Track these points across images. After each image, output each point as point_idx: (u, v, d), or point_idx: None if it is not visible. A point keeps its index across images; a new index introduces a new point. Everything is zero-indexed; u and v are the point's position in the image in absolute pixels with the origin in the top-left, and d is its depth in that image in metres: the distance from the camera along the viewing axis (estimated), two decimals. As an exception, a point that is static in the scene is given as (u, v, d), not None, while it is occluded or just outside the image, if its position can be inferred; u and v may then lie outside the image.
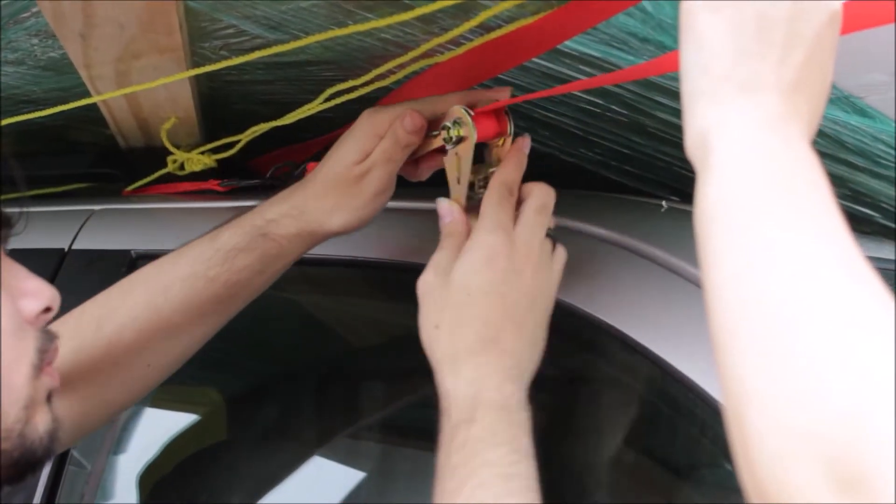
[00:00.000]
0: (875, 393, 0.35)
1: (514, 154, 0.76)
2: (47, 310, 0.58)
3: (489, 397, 0.65)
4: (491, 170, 0.76)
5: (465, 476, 0.61)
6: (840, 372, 0.36)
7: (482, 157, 0.79)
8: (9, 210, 0.57)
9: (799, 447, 0.36)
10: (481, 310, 0.69)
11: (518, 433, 0.63)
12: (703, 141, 0.46)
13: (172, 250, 0.83)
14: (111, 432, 1.04)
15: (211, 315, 0.81)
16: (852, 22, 0.52)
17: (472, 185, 0.77)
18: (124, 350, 0.79)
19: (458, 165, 0.76)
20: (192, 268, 0.79)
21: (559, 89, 0.83)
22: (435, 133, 0.78)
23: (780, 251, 0.41)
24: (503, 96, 0.77)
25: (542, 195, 0.74)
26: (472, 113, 0.75)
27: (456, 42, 0.84)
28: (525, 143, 0.77)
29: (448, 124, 0.76)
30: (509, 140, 0.77)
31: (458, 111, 0.76)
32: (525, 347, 0.69)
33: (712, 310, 0.43)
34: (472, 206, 0.76)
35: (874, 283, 0.39)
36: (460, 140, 0.76)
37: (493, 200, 0.73)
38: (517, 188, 0.75)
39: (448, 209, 0.76)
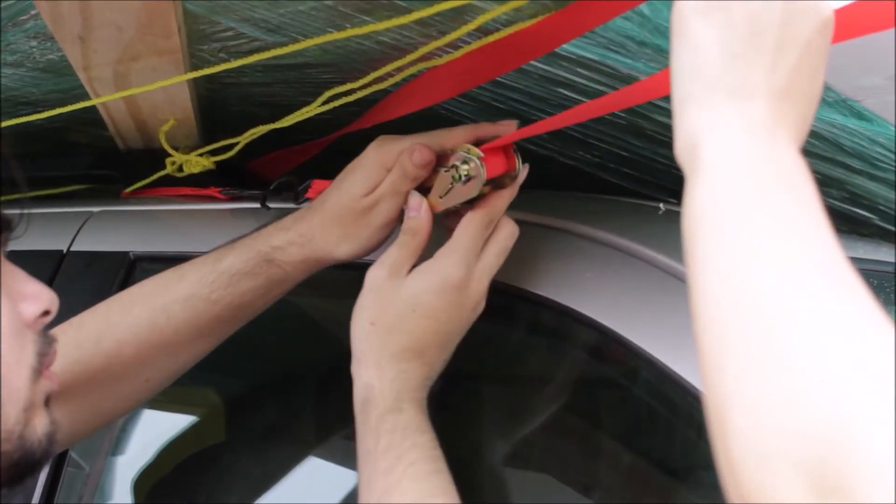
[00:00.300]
0: (857, 398, 0.36)
1: (511, 189, 0.76)
2: (46, 313, 0.58)
3: (410, 396, 0.70)
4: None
5: (397, 456, 0.66)
6: (823, 377, 0.37)
7: None
8: (9, 212, 0.57)
9: (780, 450, 0.37)
10: (419, 327, 0.72)
11: (430, 427, 0.69)
12: (692, 145, 0.46)
13: (174, 266, 0.83)
14: (109, 434, 1.04)
15: (211, 334, 0.82)
16: (851, 28, 0.52)
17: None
18: (123, 365, 0.79)
19: (449, 191, 0.76)
20: (194, 289, 0.80)
21: (556, 122, 0.83)
22: (444, 169, 0.76)
23: (766, 256, 0.41)
24: (509, 130, 0.77)
25: (508, 237, 0.76)
26: (482, 154, 0.74)
27: (454, 45, 0.84)
28: (522, 175, 0.77)
29: (457, 164, 0.75)
30: (514, 176, 0.77)
31: (468, 153, 0.75)
32: (440, 363, 0.74)
33: (697, 312, 0.43)
34: (442, 213, 0.77)
35: (858, 289, 0.40)
36: (469, 179, 0.75)
37: (472, 232, 0.74)
38: (496, 221, 0.76)
39: (418, 204, 0.76)
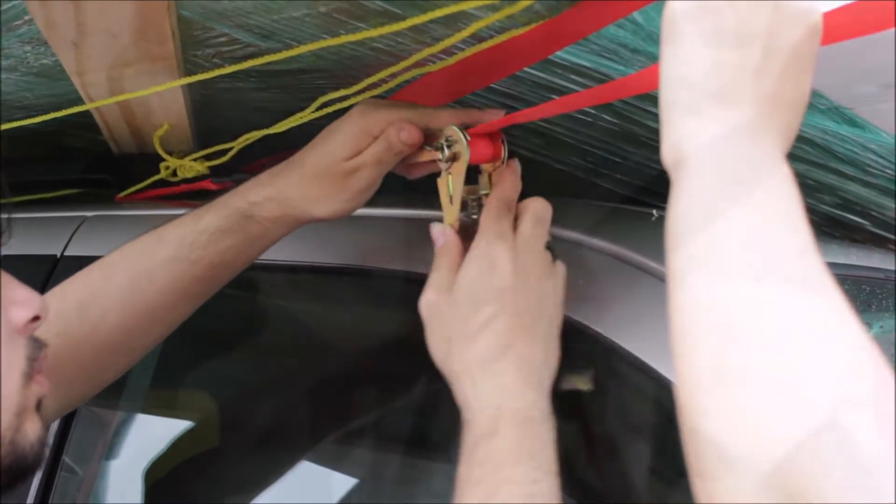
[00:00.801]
0: (820, 404, 0.36)
1: (510, 174, 0.77)
2: (36, 318, 0.58)
3: (512, 408, 0.64)
4: (483, 192, 0.77)
5: (485, 493, 0.60)
6: (788, 384, 0.37)
7: (475, 178, 0.79)
8: (-1, 217, 0.57)
9: (746, 455, 0.37)
10: (490, 318, 0.68)
11: (541, 447, 0.63)
12: (678, 150, 0.47)
13: (152, 230, 0.83)
14: (103, 438, 1.04)
15: (193, 296, 0.82)
16: (844, 30, 0.52)
17: (464, 206, 0.77)
18: (107, 332, 0.79)
19: (450, 185, 0.77)
20: (175, 251, 0.79)
21: (541, 111, 0.83)
22: (428, 147, 0.78)
23: (741, 264, 0.42)
24: (496, 118, 0.77)
25: (539, 209, 0.74)
26: (469, 137, 0.76)
27: (448, 52, 0.84)
28: (516, 165, 0.78)
29: (442, 143, 0.76)
30: (502, 166, 0.78)
31: (454, 132, 0.76)
32: (539, 354, 0.69)
33: (673, 320, 0.43)
34: (465, 228, 0.77)
35: (833, 296, 0.40)
36: (454, 158, 0.76)
37: (493, 215, 0.73)
38: (514, 205, 0.75)
39: (440, 232, 0.76)
